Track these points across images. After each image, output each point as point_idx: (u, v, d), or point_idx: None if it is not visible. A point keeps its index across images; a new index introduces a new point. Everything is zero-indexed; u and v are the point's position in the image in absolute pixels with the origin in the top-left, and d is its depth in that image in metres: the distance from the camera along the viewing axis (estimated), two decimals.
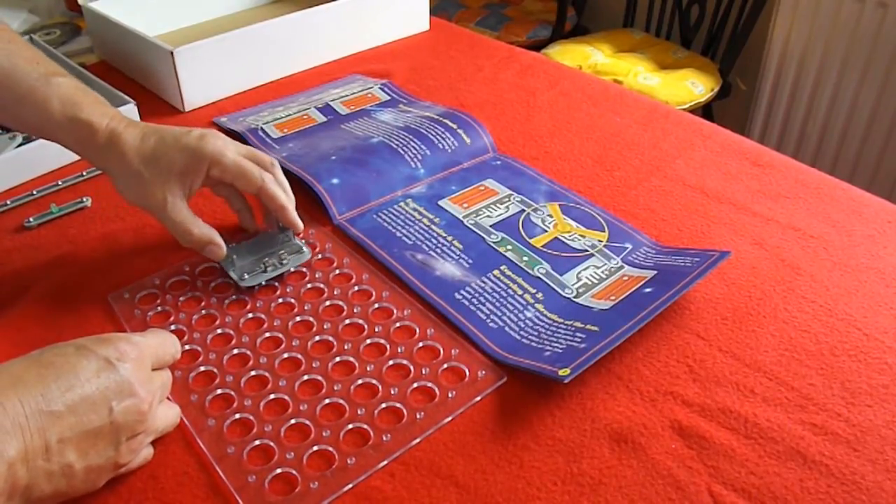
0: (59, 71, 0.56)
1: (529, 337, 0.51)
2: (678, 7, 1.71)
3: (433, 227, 0.63)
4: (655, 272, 0.55)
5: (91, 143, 0.54)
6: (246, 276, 0.56)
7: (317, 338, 0.52)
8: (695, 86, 1.56)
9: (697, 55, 1.68)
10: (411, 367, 0.49)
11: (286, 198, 0.57)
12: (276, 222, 0.59)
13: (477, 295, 0.55)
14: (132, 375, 0.40)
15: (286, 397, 0.47)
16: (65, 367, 0.38)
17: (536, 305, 0.54)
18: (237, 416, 0.46)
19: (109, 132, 0.54)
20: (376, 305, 0.54)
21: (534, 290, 0.55)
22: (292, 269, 0.57)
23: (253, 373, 0.49)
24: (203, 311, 0.54)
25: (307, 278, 0.57)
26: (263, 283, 0.56)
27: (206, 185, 0.57)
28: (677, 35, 1.75)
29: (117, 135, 0.54)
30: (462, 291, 0.56)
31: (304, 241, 0.61)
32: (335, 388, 0.48)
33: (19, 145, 0.72)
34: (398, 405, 0.47)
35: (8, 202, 0.68)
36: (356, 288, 0.56)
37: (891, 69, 1.49)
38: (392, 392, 0.47)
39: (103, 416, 0.38)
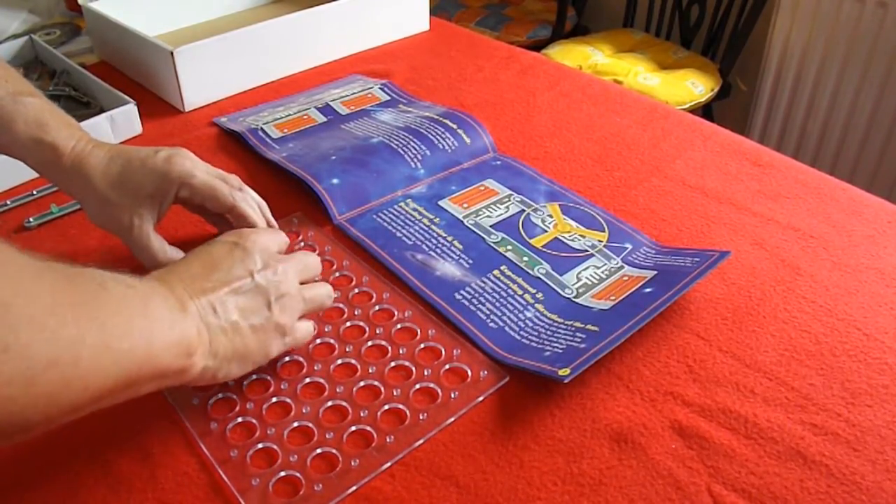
0: (29, 90, 0.55)
1: (529, 337, 0.51)
2: (678, 7, 1.72)
3: (433, 227, 0.63)
4: (655, 272, 0.56)
5: (56, 166, 0.53)
6: None
7: (318, 340, 0.52)
8: (695, 86, 1.56)
9: (697, 55, 1.68)
10: (413, 369, 0.49)
11: (257, 217, 0.56)
12: None
13: (477, 295, 0.55)
14: (258, 249, 0.47)
15: (288, 400, 0.47)
16: (201, 254, 0.46)
17: (536, 305, 0.54)
18: (240, 419, 0.46)
19: (75, 156, 0.53)
20: (377, 307, 0.55)
21: (534, 291, 0.55)
22: None
23: (255, 376, 0.49)
24: None
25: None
26: None
27: (178, 204, 0.56)
28: (677, 35, 1.75)
29: (83, 158, 0.53)
30: (462, 291, 0.56)
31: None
32: (337, 390, 0.48)
33: None
34: (401, 406, 0.47)
35: (8, 202, 0.68)
36: (357, 290, 0.56)
37: (891, 69, 1.49)
38: (394, 393, 0.48)
39: (247, 279, 0.45)
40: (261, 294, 0.45)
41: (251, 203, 0.56)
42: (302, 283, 0.49)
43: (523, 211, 0.64)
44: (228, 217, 0.56)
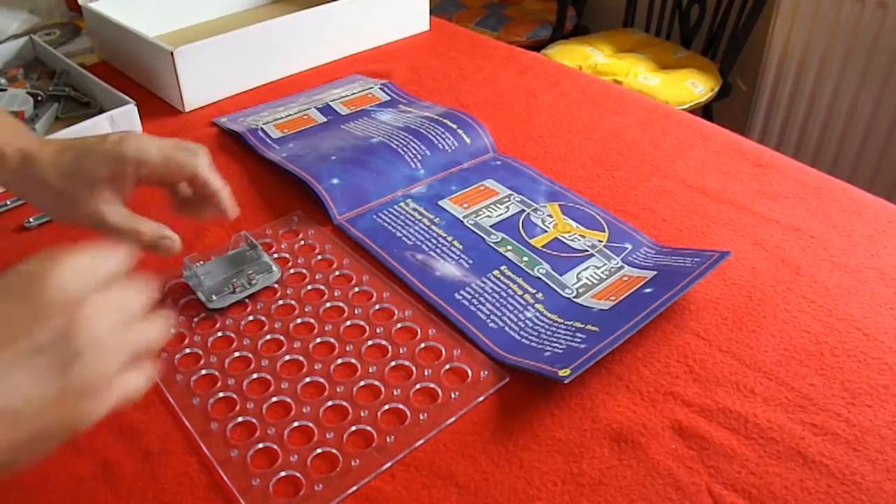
0: None
1: (529, 337, 0.51)
2: (678, 7, 1.71)
3: (433, 227, 0.63)
4: (655, 272, 0.56)
5: (2, 169, 0.50)
6: (214, 298, 0.55)
7: (318, 339, 0.52)
8: (695, 86, 1.56)
9: (697, 55, 1.68)
10: (413, 368, 0.49)
11: (221, 182, 0.53)
12: (246, 239, 0.58)
13: (477, 295, 0.55)
14: (59, 284, 0.33)
15: (289, 400, 0.47)
16: None
17: (536, 306, 0.54)
18: (240, 419, 0.46)
19: (21, 155, 0.49)
20: (377, 306, 0.55)
21: (534, 291, 0.55)
22: (260, 288, 0.56)
23: (255, 376, 0.49)
24: (203, 314, 0.54)
25: (307, 280, 0.57)
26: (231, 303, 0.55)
27: (141, 184, 0.52)
28: (677, 35, 1.75)
29: (30, 156, 0.49)
30: (462, 292, 0.56)
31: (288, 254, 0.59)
32: (338, 389, 0.48)
33: None
34: (401, 406, 0.47)
35: (8, 202, 0.68)
36: (357, 289, 0.56)
37: (891, 69, 1.49)
38: (395, 393, 0.48)
39: (27, 338, 0.32)
40: (49, 355, 0.32)
41: (213, 168, 0.52)
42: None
43: (523, 211, 0.64)
44: (193, 191, 0.53)
